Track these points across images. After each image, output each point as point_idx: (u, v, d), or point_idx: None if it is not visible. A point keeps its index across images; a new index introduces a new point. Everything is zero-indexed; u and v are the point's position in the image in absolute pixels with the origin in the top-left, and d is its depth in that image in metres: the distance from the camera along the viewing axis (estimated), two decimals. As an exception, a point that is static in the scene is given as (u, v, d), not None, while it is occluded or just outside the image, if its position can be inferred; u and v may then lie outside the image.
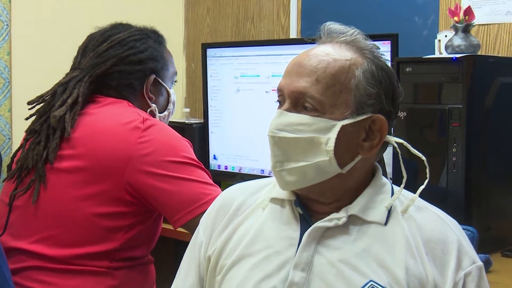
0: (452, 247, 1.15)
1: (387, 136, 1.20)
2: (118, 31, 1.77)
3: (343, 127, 1.15)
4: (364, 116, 1.16)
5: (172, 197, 1.60)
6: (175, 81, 1.88)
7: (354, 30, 1.22)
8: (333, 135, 1.14)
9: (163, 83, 1.81)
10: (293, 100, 1.17)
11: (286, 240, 1.20)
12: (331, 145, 1.14)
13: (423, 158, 1.21)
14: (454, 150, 1.73)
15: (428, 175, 1.20)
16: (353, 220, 1.19)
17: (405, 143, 1.21)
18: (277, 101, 1.22)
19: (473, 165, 1.74)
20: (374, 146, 1.18)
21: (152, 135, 1.62)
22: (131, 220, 1.62)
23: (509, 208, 1.88)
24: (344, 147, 1.15)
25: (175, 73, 1.86)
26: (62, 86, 1.70)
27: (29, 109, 1.74)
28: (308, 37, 1.27)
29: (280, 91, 1.21)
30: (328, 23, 1.24)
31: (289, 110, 1.17)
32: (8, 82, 2.60)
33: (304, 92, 1.16)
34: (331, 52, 1.18)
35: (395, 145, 1.22)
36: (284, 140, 1.17)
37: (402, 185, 1.22)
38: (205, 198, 1.59)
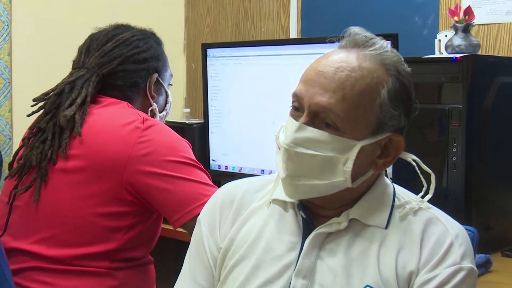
0: (441, 246, 1.14)
1: (403, 152, 1.18)
2: (121, 31, 1.78)
3: (362, 147, 1.12)
4: (383, 136, 1.14)
5: (172, 196, 1.60)
6: (171, 84, 1.89)
7: (382, 41, 1.16)
8: (352, 156, 1.11)
9: (163, 83, 1.82)
10: (313, 113, 1.12)
11: (287, 244, 1.20)
12: (349, 165, 1.11)
13: (433, 175, 1.19)
14: (454, 150, 1.73)
15: (432, 191, 1.19)
16: (354, 223, 1.18)
17: (419, 161, 1.19)
18: (292, 106, 1.16)
19: (473, 165, 1.74)
20: (387, 163, 1.17)
21: (152, 135, 1.62)
22: (131, 220, 1.63)
23: (509, 208, 1.88)
24: (359, 165, 1.13)
25: (171, 76, 1.88)
26: (69, 85, 1.70)
27: (32, 105, 1.75)
28: (330, 37, 1.20)
29: (298, 98, 1.14)
30: (355, 27, 1.18)
31: (307, 123, 1.12)
32: (9, 82, 2.60)
33: (329, 108, 1.10)
34: (357, 67, 1.11)
35: (412, 162, 1.20)
36: (301, 155, 1.12)
37: (421, 196, 1.20)
38: (204, 198, 1.58)
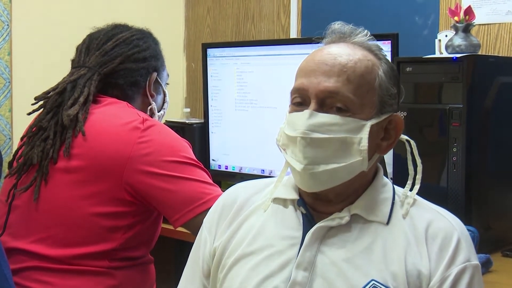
0: (450, 244, 1.15)
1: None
2: (121, 31, 1.79)
3: (371, 126, 1.15)
4: (386, 115, 1.18)
5: (172, 196, 1.60)
6: (167, 83, 1.89)
7: (364, 30, 1.23)
8: (364, 134, 1.15)
9: (161, 82, 1.83)
10: (320, 100, 1.15)
11: (288, 240, 1.20)
12: (364, 144, 1.14)
13: (420, 166, 1.24)
14: (454, 149, 1.73)
15: (419, 181, 1.23)
16: (356, 219, 1.19)
17: (413, 143, 1.25)
18: (296, 102, 1.18)
19: (473, 164, 1.74)
20: (390, 145, 1.21)
21: (152, 135, 1.62)
22: (131, 220, 1.63)
23: (510, 208, 1.88)
24: (369, 146, 1.16)
25: (168, 75, 1.89)
26: (71, 84, 1.70)
27: (32, 104, 1.74)
28: (315, 37, 1.26)
29: (301, 91, 1.17)
30: (336, 23, 1.24)
31: (317, 110, 1.15)
32: (9, 82, 2.60)
33: (336, 91, 1.14)
34: (352, 52, 1.18)
35: (406, 142, 1.25)
36: (317, 141, 1.14)
37: (411, 183, 1.24)
38: (205, 197, 1.59)
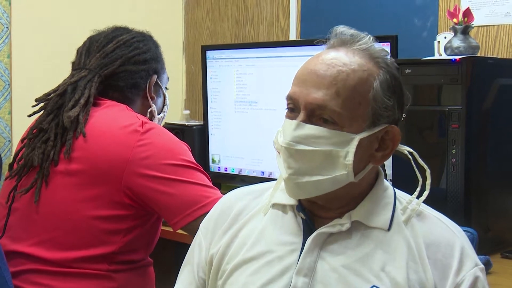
0: (454, 251, 1.15)
1: (399, 145, 1.19)
2: (121, 33, 1.79)
3: (360, 140, 1.13)
4: (380, 128, 1.15)
5: (172, 199, 1.60)
6: (167, 88, 1.89)
7: (367, 37, 1.19)
8: (351, 148, 1.12)
9: (161, 85, 1.83)
10: (309, 111, 1.13)
11: (288, 246, 1.20)
12: (349, 159, 1.12)
13: (428, 170, 1.21)
14: (453, 151, 1.73)
15: (429, 187, 1.21)
16: (356, 225, 1.18)
17: (415, 153, 1.22)
18: (289, 108, 1.18)
19: (473, 166, 1.74)
20: (386, 156, 1.18)
21: (151, 138, 1.62)
22: (130, 223, 1.62)
23: (509, 209, 1.88)
24: (359, 158, 1.14)
25: (168, 79, 1.89)
26: (72, 86, 1.70)
27: (33, 106, 1.74)
28: (317, 39, 1.24)
29: (293, 99, 1.16)
30: (339, 27, 1.21)
31: (305, 121, 1.13)
32: (8, 84, 2.61)
33: (323, 105, 1.12)
34: (348, 61, 1.14)
35: (407, 154, 1.22)
36: (301, 152, 1.13)
37: (415, 195, 1.22)
38: (204, 200, 1.59)
